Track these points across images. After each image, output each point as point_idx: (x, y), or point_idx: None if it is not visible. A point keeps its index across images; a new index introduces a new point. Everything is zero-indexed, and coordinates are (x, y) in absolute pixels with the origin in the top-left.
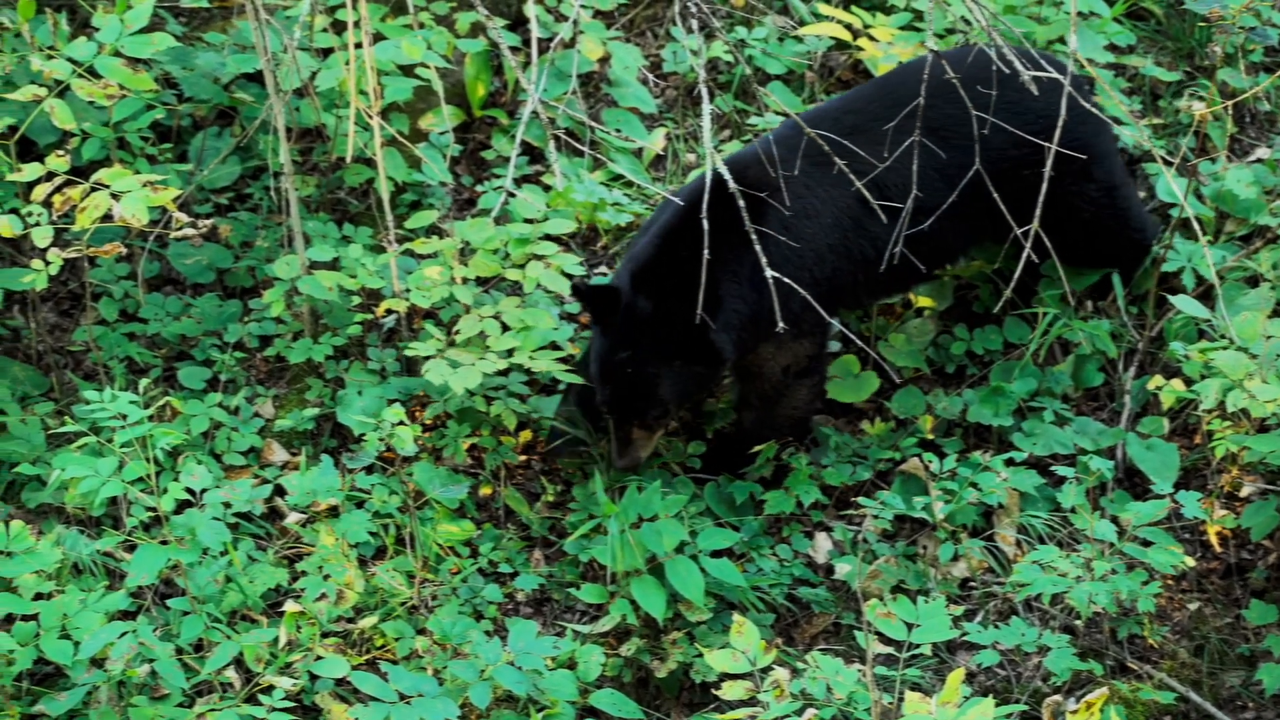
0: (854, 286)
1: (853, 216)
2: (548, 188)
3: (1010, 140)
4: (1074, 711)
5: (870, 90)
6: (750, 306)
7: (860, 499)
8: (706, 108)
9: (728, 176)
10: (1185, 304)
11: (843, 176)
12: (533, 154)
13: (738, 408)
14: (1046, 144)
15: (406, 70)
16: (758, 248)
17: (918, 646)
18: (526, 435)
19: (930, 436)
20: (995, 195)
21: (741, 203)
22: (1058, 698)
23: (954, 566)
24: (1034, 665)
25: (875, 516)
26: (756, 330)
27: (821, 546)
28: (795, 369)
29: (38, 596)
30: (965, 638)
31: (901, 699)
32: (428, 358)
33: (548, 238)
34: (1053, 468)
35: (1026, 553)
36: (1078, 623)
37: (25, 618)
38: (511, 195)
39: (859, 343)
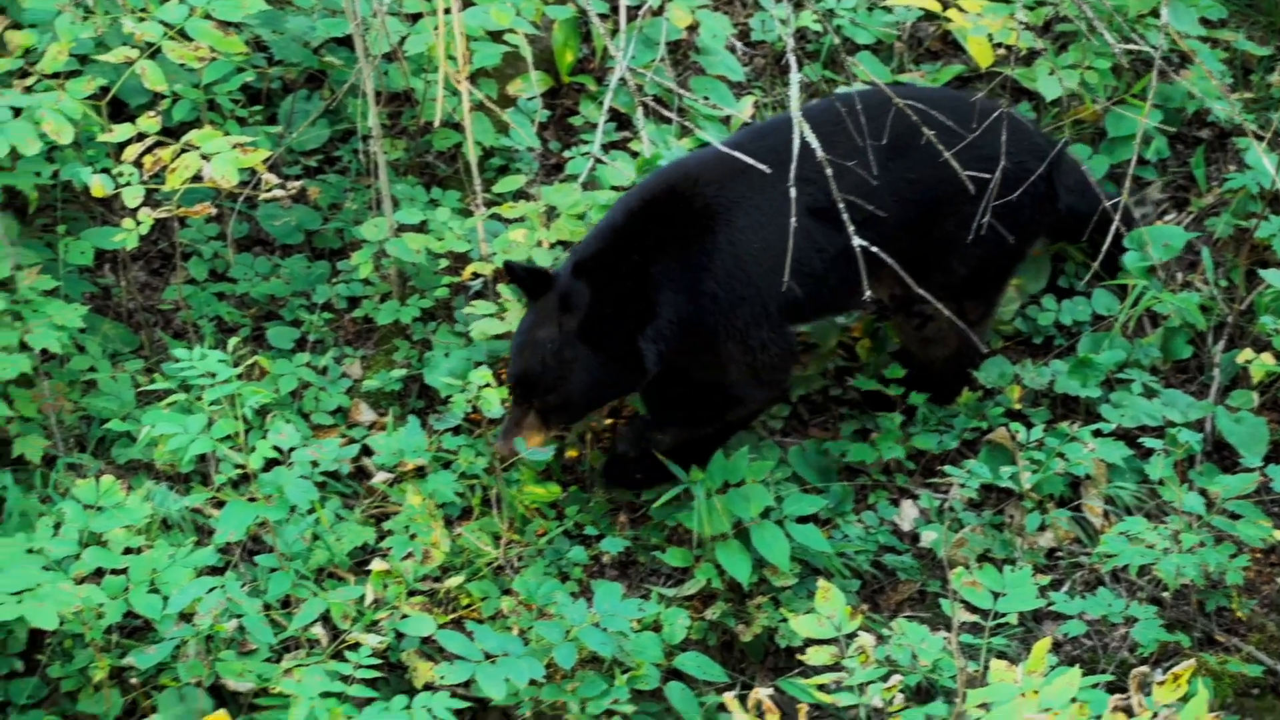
0: (802, 302)
1: (803, 230)
2: (635, 154)
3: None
4: (1161, 683)
5: (824, 104)
6: (684, 319)
7: (947, 467)
8: (795, 76)
9: (811, 139)
10: (1276, 278)
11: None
12: (620, 120)
13: (660, 408)
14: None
15: (495, 36)
16: (711, 257)
17: (1003, 615)
18: None
19: (1018, 407)
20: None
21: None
22: (1144, 669)
23: (1040, 536)
24: (1120, 636)
25: (962, 485)
26: (686, 344)
27: (907, 514)
28: (745, 380)
29: (127, 551)
30: (1051, 607)
31: (987, 667)
32: (483, 317)
33: None
34: (1140, 439)
35: (1114, 524)
36: (1165, 594)
37: (115, 572)
38: (598, 161)
39: (946, 313)
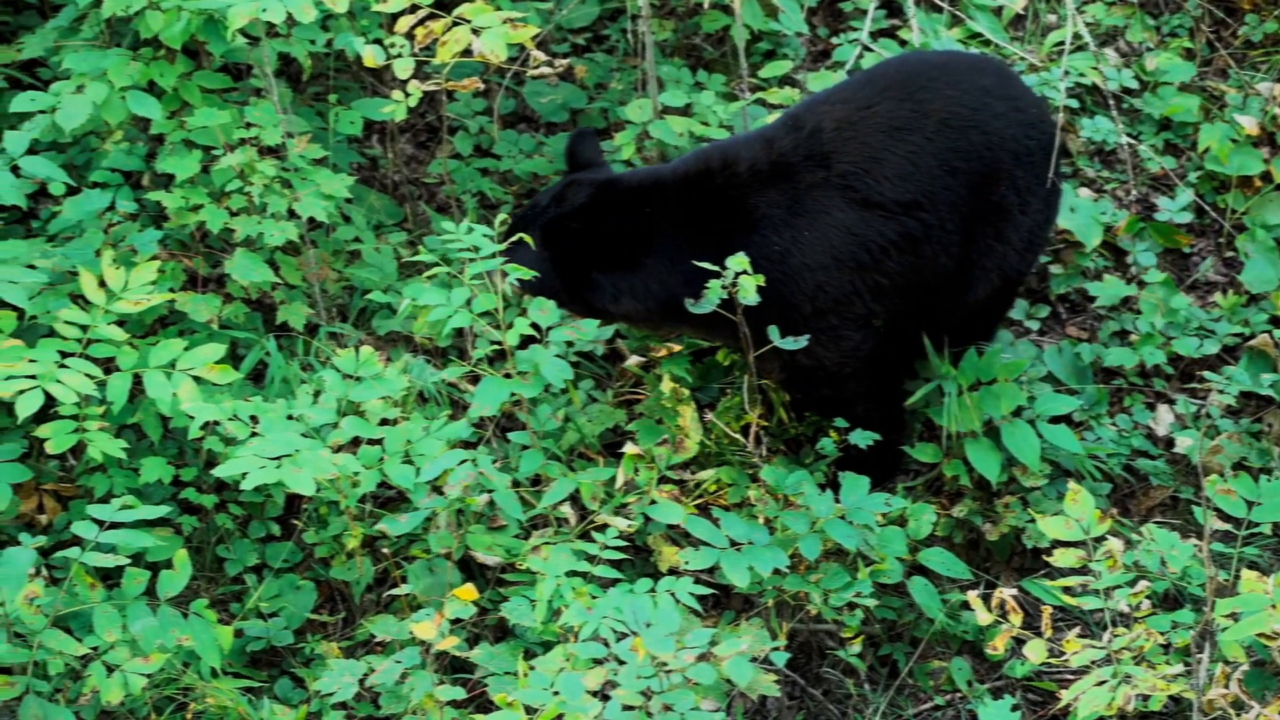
0: (858, 296)
1: (851, 218)
2: (904, 43)
3: (1015, 134)
4: None
5: (860, 79)
6: (658, 292)
7: (1205, 373)
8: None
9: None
10: None
11: (839, 175)
12: (890, 8)
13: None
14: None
15: None
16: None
17: (1257, 525)
18: None
19: None
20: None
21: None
22: None
23: None
24: None
25: (1220, 391)
26: (654, 313)
27: (1163, 419)
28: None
29: (384, 422)
30: None
31: (1238, 577)
32: None
33: None
34: None
35: None
36: None
37: (371, 442)
38: (866, 49)
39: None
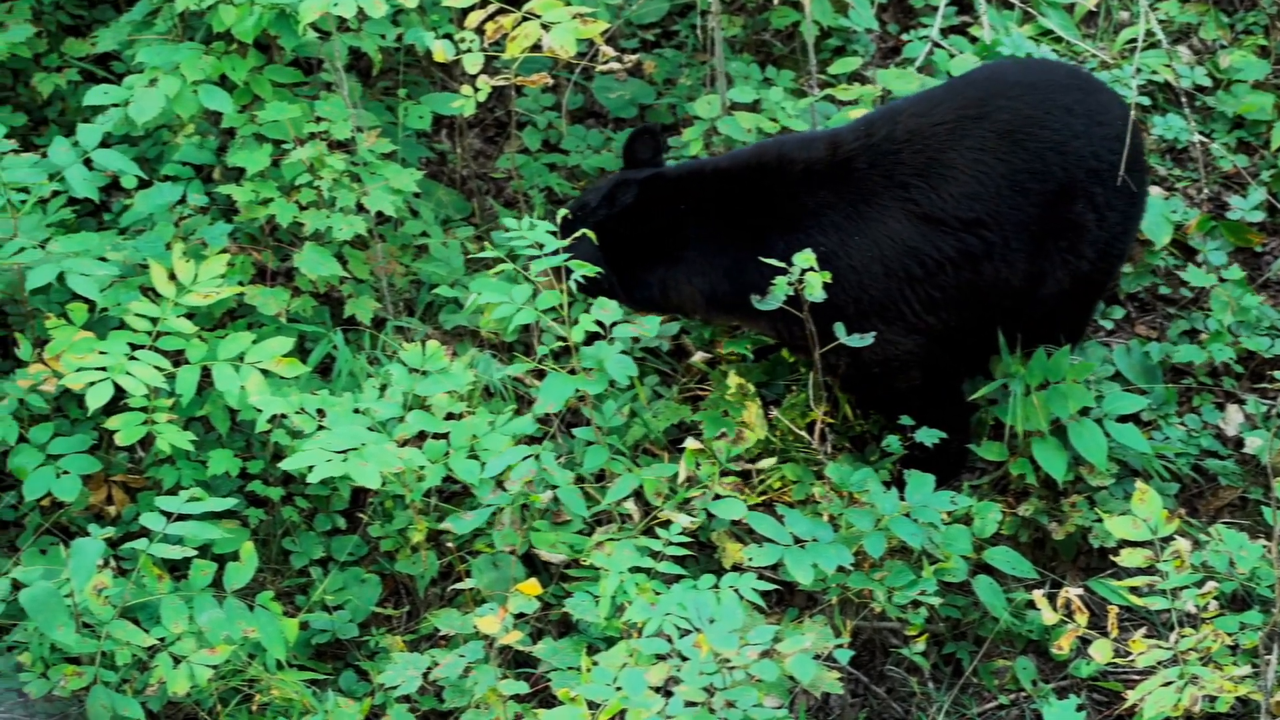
0: (906, 305)
1: (908, 231)
2: (974, 39)
3: (1094, 151)
4: None
5: (939, 92)
6: (701, 285)
7: (1276, 373)
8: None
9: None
10: None
11: (900, 186)
12: (961, 4)
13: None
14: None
15: None
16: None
17: None
18: None
19: None
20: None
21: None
22: None
23: None
24: None
25: None
26: (700, 306)
27: (1232, 418)
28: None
29: (449, 416)
30: None
31: None
32: None
33: None
34: None
35: None
36: None
37: (437, 436)
38: (936, 45)
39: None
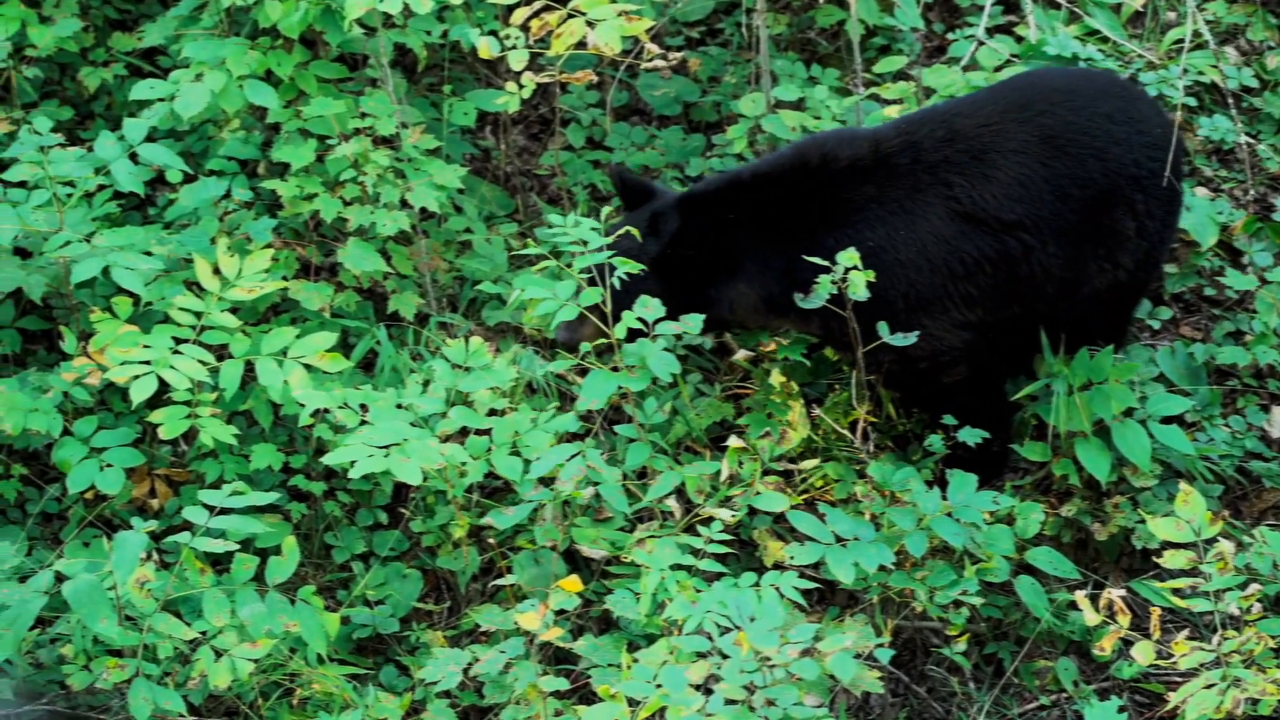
0: (950, 301)
1: (950, 229)
2: (1020, 39)
3: (1135, 158)
4: None
5: (983, 96)
6: (761, 291)
7: None
8: None
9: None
10: None
11: (944, 184)
12: (1007, 4)
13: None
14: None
15: None
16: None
17: None
18: None
19: None
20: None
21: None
22: None
23: None
24: None
25: None
26: (761, 312)
27: (1277, 420)
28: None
29: (492, 412)
30: None
31: None
32: None
33: None
34: None
35: None
36: None
37: (479, 432)
38: (982, 44)
39: None
